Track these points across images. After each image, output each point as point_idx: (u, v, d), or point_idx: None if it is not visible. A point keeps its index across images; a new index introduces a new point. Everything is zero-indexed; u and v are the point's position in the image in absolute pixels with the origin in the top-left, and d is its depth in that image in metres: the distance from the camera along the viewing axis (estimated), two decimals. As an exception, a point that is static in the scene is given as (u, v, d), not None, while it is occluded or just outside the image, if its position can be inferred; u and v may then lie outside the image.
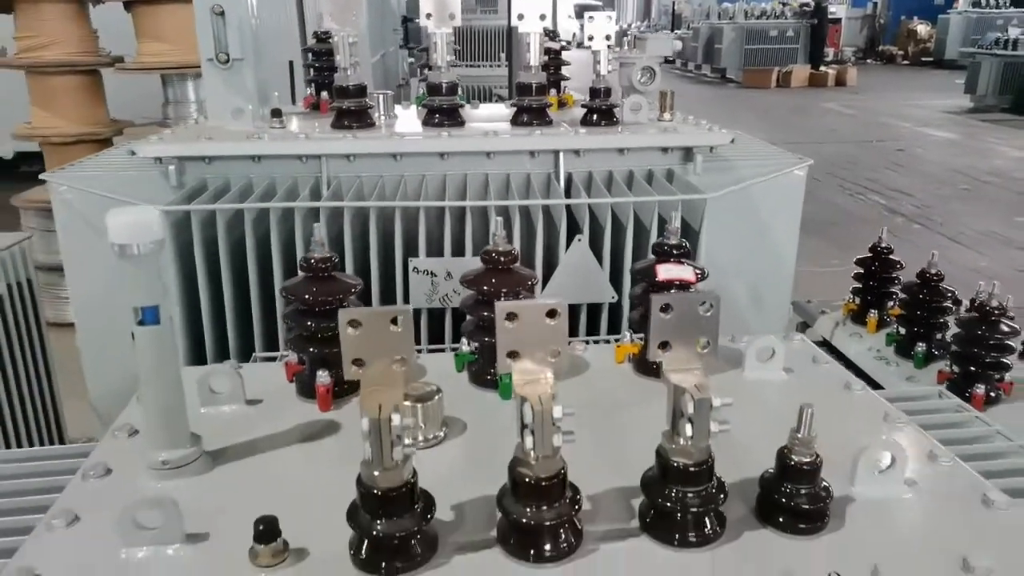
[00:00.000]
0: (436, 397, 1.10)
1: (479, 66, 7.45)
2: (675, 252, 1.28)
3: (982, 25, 19.37)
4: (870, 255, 2.18)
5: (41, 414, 2.23)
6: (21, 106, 6.51)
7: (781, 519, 0.90)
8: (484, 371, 1.25)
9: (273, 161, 1.95)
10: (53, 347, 2.32)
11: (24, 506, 1.10)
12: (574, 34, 7.44)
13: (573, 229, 1.88)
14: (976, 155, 9.83)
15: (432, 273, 1.80)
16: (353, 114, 2.03)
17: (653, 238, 1.75)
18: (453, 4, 2.00)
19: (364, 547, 0.84)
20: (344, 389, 1.21)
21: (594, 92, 2.12)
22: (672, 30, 22.38)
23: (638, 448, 0.93)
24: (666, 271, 1.25)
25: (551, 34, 2.83)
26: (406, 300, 1.81)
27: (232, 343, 1.84)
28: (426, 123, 2.10)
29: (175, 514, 0.87)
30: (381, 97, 2.17)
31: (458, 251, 1.85)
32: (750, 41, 18.51)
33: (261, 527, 0.84)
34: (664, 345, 0.88)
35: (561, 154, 1.99)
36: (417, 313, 1.80)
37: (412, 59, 8.93)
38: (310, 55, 2.53)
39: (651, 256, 1.33)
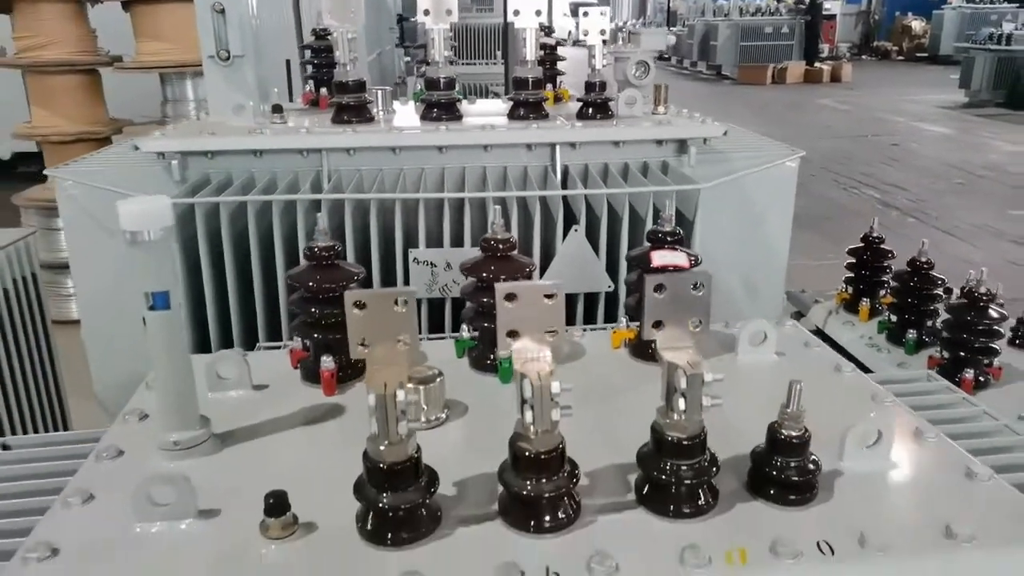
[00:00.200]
0: (438, 380, 1.13)
1: (475, 64, 7.48)
2: (669, 239, 1.32)
3: (976, 20, 19.45)
4: (862, 245, 2.22)
5: (47, 409, 2.26)
6: (19, 107, 6.53)
7: (772, 491, 0.93)
8: (484, 356, 1.29)
9: (274, 156, 1.98)
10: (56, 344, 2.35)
11: (39, 488, 1.13)
12: (569, 32, 7.47)
13: (570, 220, 1.91)
14: (970, 149, 9.88)
15: (432, 264, 1.84)
16: (353, 109, 2.06)
17: (648, 228, 1.78)
18: (450, 0, 2.03)
19: (370, 519, 0.87)
20: (348, 374, 1.24)
21: (589, 86, 2.16)
22: (667, 27, 22.39)
23: (634, 428, 0.96)
24: (661, 257, 1.29)
25: (547, 30, 2.86)
26: (406, 291, 1.84)
27: (236, 334, 1.88)
28: (424, 117, 2.14)
29: (188, 490, 0.91)
30: (380, 92, 2.20)
31: (457, 242, 1.89)
32: (745, 38, 18.57)
33: (271, 501, 0.87)
34: (658, 324, 0.92)
35: (557, 147, 2.03)
36: (417, 303, 1.83)
37: (408, 58, 8.96)
38: (309, 52, 2.56)
39: (646, 243, 1.36)
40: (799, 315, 2.38)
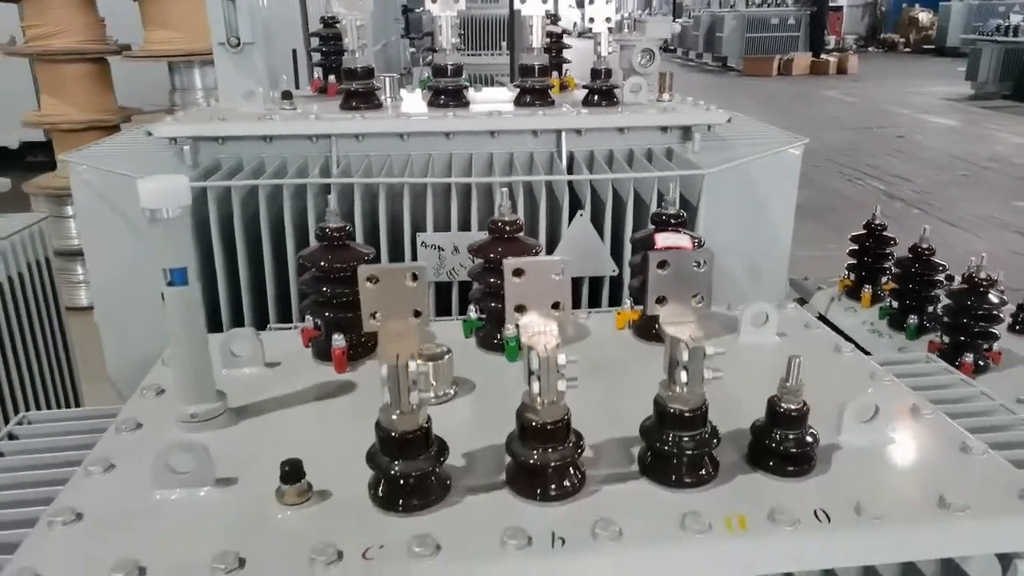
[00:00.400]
0: (447, 356, 1.16)
1: (480, 55, 7.50)
2: (673, 221, 1.34)
3: (984, 12, 19.36)
4: (865, 232, 2.25)
5: (61, 391, 2.30)
6: (27, 97, 6.58)
7: (771, 463, 0.96)
8: (491, 336, 1.31)
9: (284, 141, 2.01)
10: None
11: (59, 461, 1.17)
12: (574, 24, 7.48)
13: (575, 206, 1.94)
14: (976, 141, 9.86)
15: (439, 247, 1.86)
16: (361, 95, 2.09)
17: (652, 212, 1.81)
18: (457, -12, 2.05)
19: (383, 486, 0.90)
20: (358, 352, 1.28)
21: (595, 73, 2.18)
22: (673, 18, 22.31)
23: (637, 404, 0.98)
24: (664, 239, 1.31)
25: (553, 18, 2.88)
26: (414, 273, 1.87)
27: (247, 316, 1.91)
28: (431, 104, 2.16)
29: (206, 458, 0.94)
30: (387, 80, 2.23)
31: (464, 227, 1.91)
32: (751, 29, 18.51)
33: (287, 468, 0.90)
34: (661, 300, 0.94)
35: (563, 133, 2.05)
36: (425, 285, 1.86)
37: (413, 48, 8.98)
38: (317, 40, 2.58)
39: (650, 226, 1.39)
40: (802, 302, 2.41)
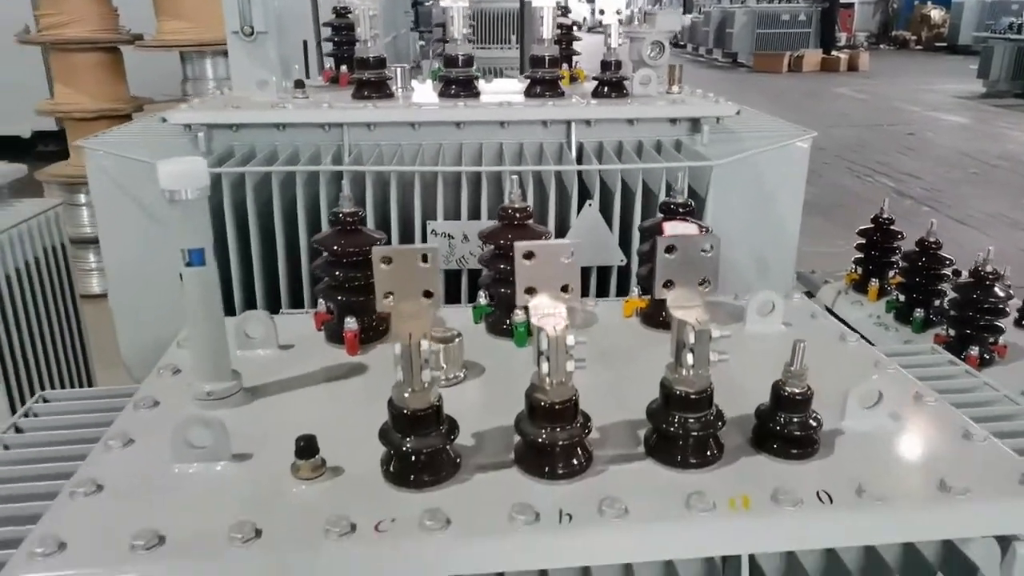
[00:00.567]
0: (457, 340, 1.19)
1: (490, 48, 7.51)
2: (681, 210, 1.36)
3: (996, 10, 19.22)
4: (872, 226, 2.26)
5: (75, 377, 2.33)
6: (38, 87, 6.62)
7: (775, 445, 0.98)
8: (500, 321, 1.33)
9: (297, 130, 2.03)
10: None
11: (77, 437, 1.19)
12: (584, 18, 7.49)
13: (584, 196, 1.96)
14: (987, 139, 9.83)
15: (449, 236, 1.89)
16: (373, 85, 2.11)
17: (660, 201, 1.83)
18: (469, -22, 2.07)
19: (395, 462, 0.93)
20: (370, 336, 1.30)
21: (605, 65, 2.20)
22: (684, 14, 22.25)
23: (644, 389, 1.00)
24: (672, 228, 1.33)
25: (564, 10, 2.89)
26: (424, 260, 1.90)
27: (259, 301, 1.94)
28: (442, 94, 2.18)
29: (223, 434, 0.96)
30: (399, 70, 2.25)
31: (474, 215, 1.94)
32: (762, 25, 18.43)
33: (302, 443, 0.93)
34: (668, 284, 0.96)
35: (573, 124, 2.07)
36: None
37: (423, 41, 9.00)
38: (330, 29, 2.60)
39: (659, 214, 1.41)
40: (809, 295, 2.42)
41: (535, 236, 1.33)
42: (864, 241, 2.27)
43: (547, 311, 0.93)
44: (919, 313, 2.01)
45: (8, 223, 2.00)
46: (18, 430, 1.26)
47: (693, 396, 0.94)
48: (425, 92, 2.32)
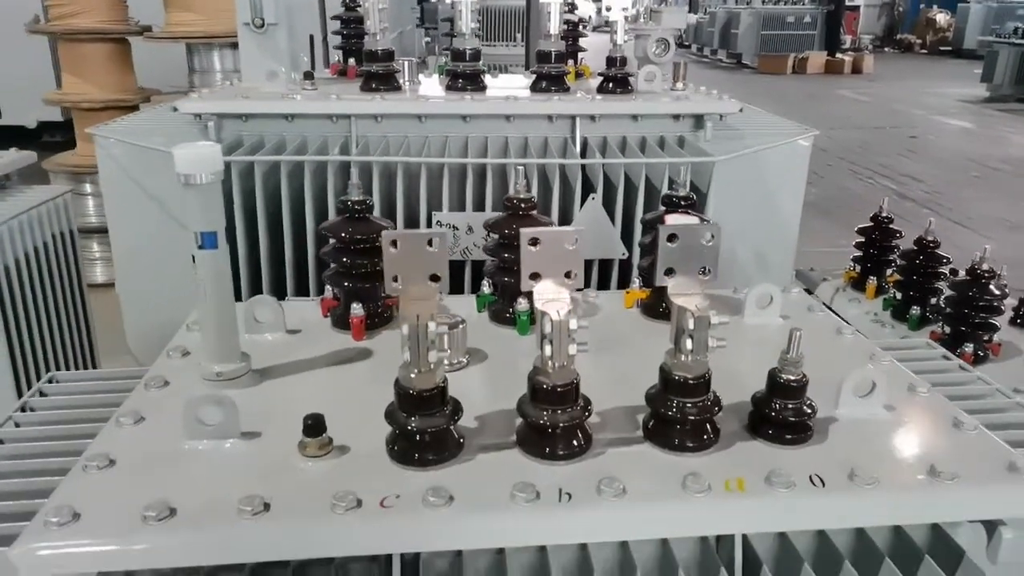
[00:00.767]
0: (461, 326, 1.21)
1: (495, 45, 7.53)
2: (683, 203, 1.39)
3: (1002, 14, 19.23)
4: (871, 224, 2.28)
5: (81, 362, 2.36)
6: (44, 78, 6.65)
7: (770, 431, 1.00)
8: (503, 310, 1.36)
9: (305, 121, 2.05)
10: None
11: (86, 417, 1.22)
12: (590, 16, 7.51)
13: (588, 190, 1.98)
14: (989, 143, 9.84)
15: (454, 227, 1.91)
16: (381, 77, 2.14)
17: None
18: (478, -27, 2.10)
19: (400, 441, 0.95)
20: (375, 322, 1.32)
21: (610, 61, 2.22)
22: (689, 13, 22.24)
23: (644, 376, 1.03)
24: (674, 220, 1.35)
25: (571, 6, 2.92)
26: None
27: (265, 288, 1.96)
28: (449, 88, 2.21)
29: (233, 412, 0.99)
30: (406, 63, 2.27)
31: (479, 207, 1.96)
32: (767, 27, 18.43)
33: (310, 422, 0.96)
34: (669, 272, 0.99)
35: (578, 119, 2.09)
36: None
37: (428, 38, 9.03)
38: (339, 23, 2.63)
39: (661, 207, 1.43)
40: (807, 292, 2.44)
41: (539, 225, 1.36)
42: (863, 239, 2.30)
43: (551, 296, 0.96)
44: (915, 311, 2.03)
45: (18, 209, 2.03)
46: (28, 409, 1.28)
47: (691, 381, 0.96)
48: (432, 86, 2.34)
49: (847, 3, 19.78)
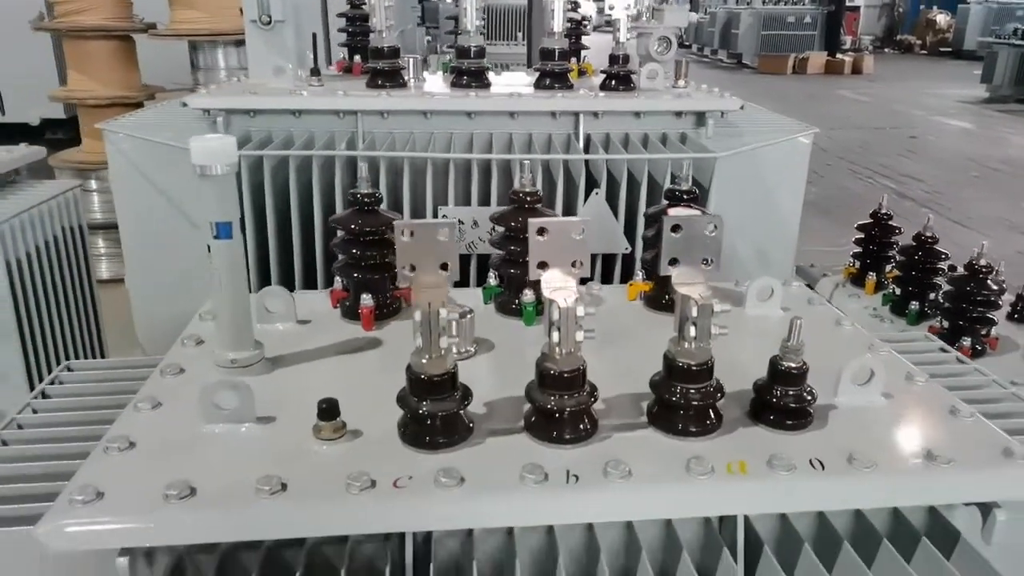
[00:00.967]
0: (468, 316, 1.24)
1: (497, 44, 7.55)
2: (685, 196, 1.41)
3: (1002, 15, 19.27)
4: (871, 221, 2.31)
5: (90, 353, 2.38)
6: (47, 76, 6.68)
7: (771, 416, 1.03)
8: (510, 301, 1.39)
9: (312, 117, 2.08)
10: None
11: (103, 404, 1.25)
12: (591, 16, 7.52)
13: (591, 185, 2.01)
14: (989, 144, 9.87)
15: (460, 221, 1.94)
16: (387, 74, 2.17)
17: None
18: (481, -29, 2.12)
19: (411, 425, 0.98)
20: (384, 313, 1.35)
21: (613, 59, 2.25)
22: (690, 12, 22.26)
23: (647, 366, 1.05)
24: (677, 212, 1.38)
25: (574, 4, 2.94)
26: (435, 244, 1.95)
27: (274, 281, 1.99)
28: (454, 84, 2.24)
29: (249, 396, 1.01)
30: (411, 60, 2.30)
31: (484, 202, 1.99)
32: (767, 27, 18.46)
33: (324, 406, 0.98)
34: (673, 261, 1.02)
35: (581, 116, 2.12)
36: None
37: (429, 37, 9.06)
38: (344, 20, 2.66)
39: (664, 201, 1.46)
40: (808, 288, 2.47)
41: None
42: (863, 236, 2.32)
43: (558, 284, 0.98)
44: (914, 306, 2.06)
45: (29, 204, 2.05)
46: (46, 396, 1.31)
47: (695, 368, 0.99)
48: (437, 83, 2.37)
49: (847, 4, 19.81)
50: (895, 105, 12.98)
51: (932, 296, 2.08)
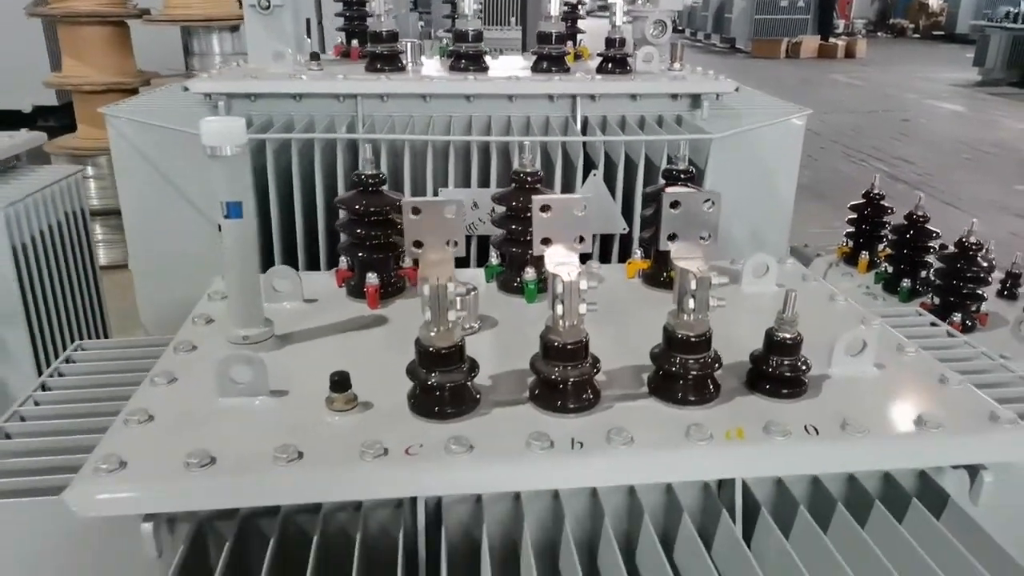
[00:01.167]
0: (472, 293, 1.27)
1: (491, 29, 7.55)
2: (682, 176, 1.44)
3: (994, -2, 19.29)
4: (863, 201, 2.35)
5: (95, 336, 2.41)
6: (38, 63, 6.65)
7: (767, 386, 1.07)
8: (511, 279, 1.42)
9: (312, 100, 2.10)
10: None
11: (116, 381, 1.28)
12: (586, 1, 7.53)
13: (589, 167, 2.04)
14: (981, 127, 9.92)
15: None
16: (385, 58, 2.19)
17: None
18: (478, -45, 2.14)
19: (421, 396, 1.01)
20: (389, 291, 1.38)
21: (609, 42, 2.27)
22: (683, -2, 22.21)
23: (646, 339, 1.09)
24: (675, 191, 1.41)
25: (570, -11, 2.96)
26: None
27: (278, 263, 2.01)
28: (452, 68, 2.26)
29: (262, 370, 1.05)
30: (409, 45, 2.32)
31: (483, 184, 2.02)
32: (760, 11, 18.45)
33: (336, 378, 1.02)
34: (672, 237, 1.05)
35: (578, 98, 2.15)
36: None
37: (422, 22, 9.05)
38: (342, 4, 2.67)
39: (661, 180, 1.49)
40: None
41: (547, 197, 1.42)
42: (856, 215, 2.36)
43: (561, 259, 1.02)
44: (906, 283, 2.10)
45: (32, 188, 2.07)
46: (59, 375, 1.34)
47: (693, 339, 1.03)
48: (435, 67, 2.39)
49: (840, -13, 19.79)
50: (888, 89, 13.02)
51: (923, 274, 2.12)
